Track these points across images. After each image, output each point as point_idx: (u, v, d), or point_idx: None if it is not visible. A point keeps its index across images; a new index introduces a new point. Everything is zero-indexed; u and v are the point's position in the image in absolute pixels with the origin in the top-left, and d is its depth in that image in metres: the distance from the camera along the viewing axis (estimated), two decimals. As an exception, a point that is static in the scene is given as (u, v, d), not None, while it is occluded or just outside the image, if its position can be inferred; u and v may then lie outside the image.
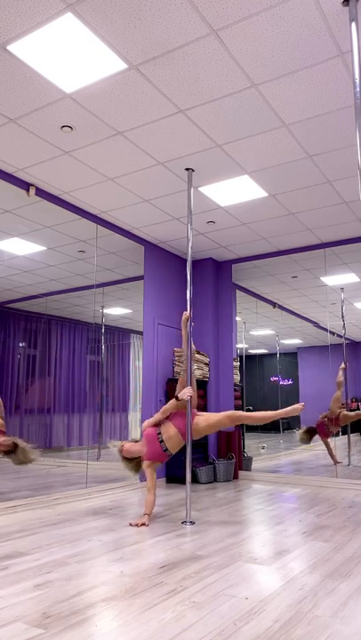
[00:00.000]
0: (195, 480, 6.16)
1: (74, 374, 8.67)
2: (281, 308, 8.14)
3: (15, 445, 4.39)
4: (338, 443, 6.84)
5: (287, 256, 6.70)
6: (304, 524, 3.98)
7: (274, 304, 8.07)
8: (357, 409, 7.20)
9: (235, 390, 6.97)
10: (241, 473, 6.63)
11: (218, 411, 6.91)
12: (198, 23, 2.87)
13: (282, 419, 8.65)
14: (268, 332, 8.61)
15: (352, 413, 6.94)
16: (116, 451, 4.45)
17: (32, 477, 6.29)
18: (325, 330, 7.70)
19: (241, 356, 7.70)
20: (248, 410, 8.51)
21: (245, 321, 8.10)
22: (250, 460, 6.85)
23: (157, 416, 4.29)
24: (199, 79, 3.35)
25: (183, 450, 4.25)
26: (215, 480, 6.31)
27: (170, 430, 4.20)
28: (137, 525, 3.89)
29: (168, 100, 3.57)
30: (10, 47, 3.06)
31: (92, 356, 8.55)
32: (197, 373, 6.57)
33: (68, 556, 3.11)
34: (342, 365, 6.97)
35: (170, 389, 6.44)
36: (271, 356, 8.64)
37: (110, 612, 2.24)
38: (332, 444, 6.75)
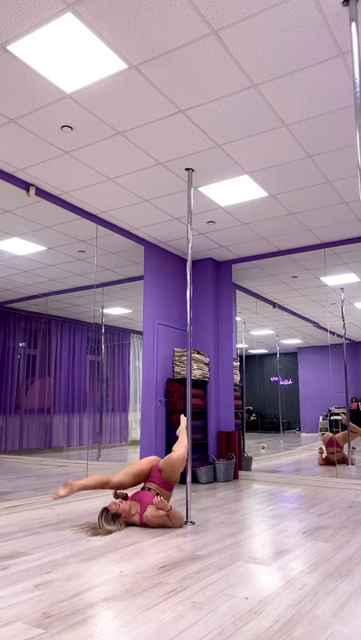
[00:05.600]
0: (195, 480, 6.16)
1: (74, 374, 8.66)
2: (281, 308, 8.14)
3: None
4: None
5: (287, 256, 6.70)
6: (304, 523, 3.98)
7: (274, 304, 8.07)
8: (358, 409, 7.20)
9: (235, 390, 6.97)
10: (241, 473, 6.63)
11: (217, 410, 6.92)
12: (198, 23, 2.87)
13: (282, 419, 8.66)
14: (268, 331, 8.61)
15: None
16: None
17: (32, 477, 6.29)
18: (325, 330, 7.70)
19: (241, 356, 7.71)
20: (248, 410, 8.52)
21: (245, 321, 8.10)
22: (250, 459, 6.85)
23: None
24: (199, 79, 3.35)
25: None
26: (215, 480, 6.31)
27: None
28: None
29: (168, 99, 3.57)
30: (10, 47, 3.06)
31: (92, 356, 8.55)
32: (197, 373, 6.57)
33: (68, 555, 3.11)
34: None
35: (170, 389, 6.44)
36: (271, 355, 8.64)
37: (110, 612, 2.24)
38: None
